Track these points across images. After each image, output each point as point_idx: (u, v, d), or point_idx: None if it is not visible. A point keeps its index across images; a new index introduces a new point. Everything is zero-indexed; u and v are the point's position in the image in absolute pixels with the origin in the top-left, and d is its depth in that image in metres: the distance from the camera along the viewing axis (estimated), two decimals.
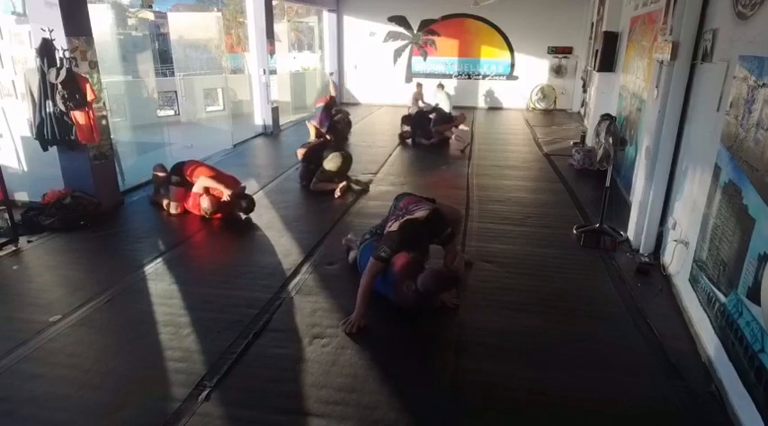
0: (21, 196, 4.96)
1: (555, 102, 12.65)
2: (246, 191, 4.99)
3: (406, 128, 8.58)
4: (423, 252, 3.28)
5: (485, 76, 13.16)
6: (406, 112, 9.93)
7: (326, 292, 3.39)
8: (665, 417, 2.32)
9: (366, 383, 2.50)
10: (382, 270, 3.03)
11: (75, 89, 4.39)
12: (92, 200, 4.71)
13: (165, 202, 4.90)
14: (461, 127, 8.60)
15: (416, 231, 3.11)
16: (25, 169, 5.30)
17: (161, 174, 5.10)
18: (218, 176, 4.79)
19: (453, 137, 8.33)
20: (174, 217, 4.77)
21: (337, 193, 5.47)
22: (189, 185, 4.77)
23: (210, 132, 9.53)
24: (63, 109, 4.38)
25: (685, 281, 3.15)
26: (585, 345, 2.84)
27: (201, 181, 4.65)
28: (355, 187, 5.68)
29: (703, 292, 2.82)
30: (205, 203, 4.60)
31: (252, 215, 4.74)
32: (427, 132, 8.29)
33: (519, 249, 4.14)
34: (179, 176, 4.82)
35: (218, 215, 4.71)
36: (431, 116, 8.54)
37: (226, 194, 4.63)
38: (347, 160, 5.78)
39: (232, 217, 4.75)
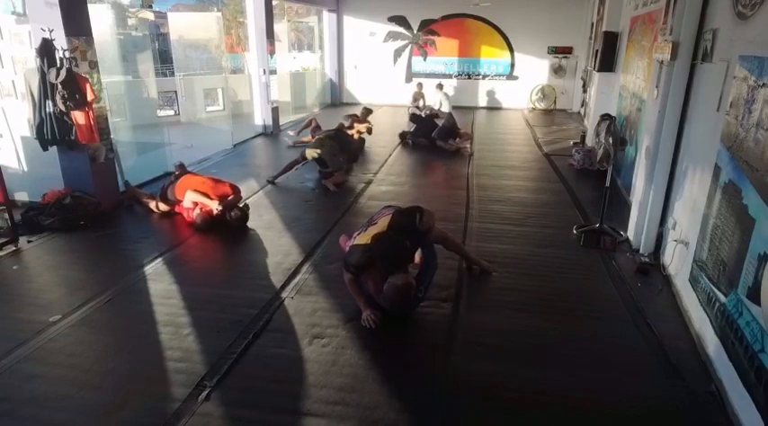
0: (21, 196, 4.96)
1: (555, 102, 12.66)
2: (246, 191, 4.95)
3: (414, 125, 8.53)
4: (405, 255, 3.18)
5: (485, 76, 13.16)
6: (409, 110, 9.94)
7: (326, 292, 3.39)
8: (665, 417, 2.32)
9: (366, 383, 2.50)
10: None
11: (75, 89, 4.39)
12: (92, 200, 4.71)
13: (152, 203, 4.85)
14: (465, 144, 8.14)
15: (386, 243, 3.04)
16: (25, 169, 5.30)
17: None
18: (210, 186, 4.62)
19: (454, 147, 7.97)
20: (173, 218, 4.76)
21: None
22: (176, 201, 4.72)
23: (210, 132, 9.53)
24: (63, 109, 4.38)
25: (685, 281, 3.15)
26: (585, 345, 2.84)
27: (190, 196, 4.53)
28: (332, 187, 5.79)
29: (703, 292, 2.82)
30: (199, 219, 4.46)
31: (252, 215, 4.73)
32: (430, 137, 8.18)
33: (519, 249, 4.14)
34: (170, 194, 4.75)
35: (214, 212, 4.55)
36: (437, 121, 8.51)
37: (214, 207, 4.47)
38: (330, 141, 6.16)
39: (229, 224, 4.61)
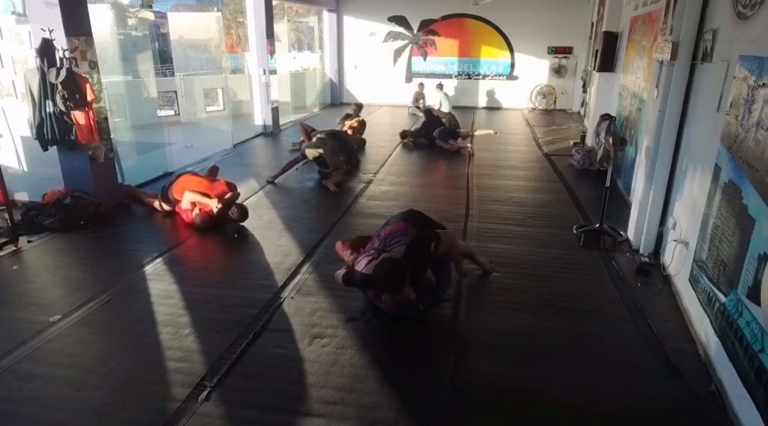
0: (21, 196, 4.96)
1: (555, 102, 12.65)
2: (246, 191, 4.95)
3: (422, 118, 8.60)
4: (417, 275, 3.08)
5: (485, 76, 13.16)
6: (410, 111, 9.92)
7: (326, 292, 3.39)
8: (665, 417, 2.32)
9: (366, 383, 2.50)
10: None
11: (75, 89, 4.39)
12: (92, 200, 4.71)
13: (156, 202, 4.87)
14: (467, 144, 8.13)
15: (395, 271, 2.91)
16: (25, 169, 5.30)
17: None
18: (207, 186, 4.62)
19: (455, 147, 7.96)
20: (173, 218, 4.76)
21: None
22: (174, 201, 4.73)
23: (210, 132, 9.53)
24: (63, 109, 4.38)
25: (685, 281, 3.15)
26: (585, 345, 2.84)
27: (188, 196, 4.51)
28: (332, 187, 5.77)
29: (703, 292, 2.82)
30: (198, 219, 4.45)
31: (252, 215, 4.72)
32: (431, 137, 8.19)
33: (519, 249, 4.14)
34: (169, 196, 4.74)
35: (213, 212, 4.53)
36: (442, 120, 8.53)
37: (213, 206, 4.45)
38: (331, 140, 6.23)
39: (229, 223, 4.61)
